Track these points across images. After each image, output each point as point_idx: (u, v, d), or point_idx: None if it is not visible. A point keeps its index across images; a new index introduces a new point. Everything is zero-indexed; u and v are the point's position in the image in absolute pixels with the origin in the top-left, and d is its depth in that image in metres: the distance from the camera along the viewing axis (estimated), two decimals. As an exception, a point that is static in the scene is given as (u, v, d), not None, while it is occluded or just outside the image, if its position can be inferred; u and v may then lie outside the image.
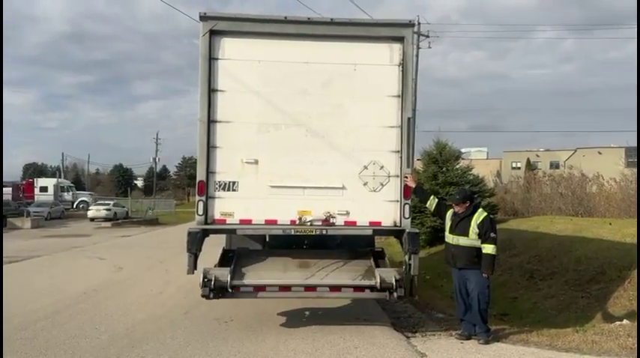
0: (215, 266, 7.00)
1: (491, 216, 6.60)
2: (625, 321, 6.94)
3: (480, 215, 6.60)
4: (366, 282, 6.65)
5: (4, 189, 41.25)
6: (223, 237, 7.89)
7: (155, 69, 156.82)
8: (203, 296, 6.46)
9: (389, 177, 6.83)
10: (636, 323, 6.64)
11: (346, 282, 6.67)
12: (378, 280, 6.50)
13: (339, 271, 6.85)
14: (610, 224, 13.29)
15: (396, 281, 6.48)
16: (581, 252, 10.47)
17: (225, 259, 7.10)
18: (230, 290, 6.46)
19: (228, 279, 6.42)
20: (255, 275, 6.74)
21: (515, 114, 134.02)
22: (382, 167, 6.83)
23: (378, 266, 6.96)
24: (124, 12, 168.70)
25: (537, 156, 63.58)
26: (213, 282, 6.39)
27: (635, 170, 18.30)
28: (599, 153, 48.91)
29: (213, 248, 7.36)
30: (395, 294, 6.53)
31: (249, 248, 7.39)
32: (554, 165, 53.21)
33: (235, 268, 6.75)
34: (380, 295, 6.65)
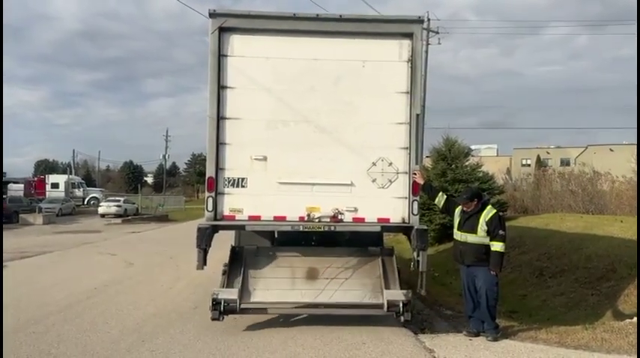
0: (224, 268, 7.02)
1: (501, 213, 6.56)
2: (635, 319, 6.90)
3: (488, 212, 6.59)
4: (374, 301, 6.70)
5: (15, 185, 41.91)
6: (232, 232, 7.93)
7: (167, 66, 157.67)
8: (213, 319, 6.57)
9: (397, 173, 6.83)
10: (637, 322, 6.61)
11: (353, 301, 6.72)
12: (385, 303, 6.56)
13: (347, 284, 6.84)
14: (621, 221, 13.18)
15: (403, 305, 6.52)
16: (591, 250, 10.41)
17: (234, 263, 7.05)
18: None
19: (238, 303, 6.54)
20: (263, 293, 6.78)
21: (527, 111, 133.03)
22: (391, 164, 6.83)
23: (386, 274, 6.92)
24: (136, 10, 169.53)
25: (548, 153, 63.18)
26: (222, 305, 6.52)
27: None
28: (611, 150, 48.44)
29: (223, 243, 7.41)
30: (402, 318, 6.57)
31: (257, 246, 7.36)
32: (565, 162, 52.84)
33: (243, 282, 6.78)
34: (387, 313, 6.65)
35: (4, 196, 32.13)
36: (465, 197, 6.77)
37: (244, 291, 6.73)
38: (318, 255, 7.14)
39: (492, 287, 6.49)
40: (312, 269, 6.99)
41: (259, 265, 7.06)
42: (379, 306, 6.62)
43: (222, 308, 6.55)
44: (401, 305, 6.52)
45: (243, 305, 6.61)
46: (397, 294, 6.62)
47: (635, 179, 18.34)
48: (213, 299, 6.54)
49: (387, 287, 6.78)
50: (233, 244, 7.67)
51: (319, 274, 6.95)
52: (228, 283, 6.83)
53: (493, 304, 6.53)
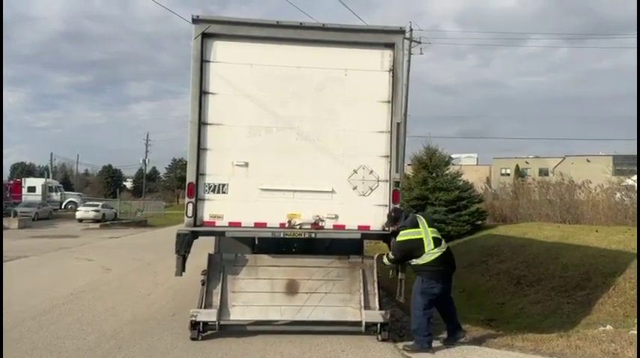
0: (202, 277, 6.92)
1: (403, 240, 6.45)
2: (608, 327, 7.03)
3: (398, 237, 6.57)
4: (352, 319, 6.73)
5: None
6: (212, 238, 7.88)
7: (150, 70, 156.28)
8: (192, 338, 6.55)
9: (378, 181, 6.88)
10: (621, 329, 6.74)
11: (332, 319, 6.76)
12: (363, 323, 6.62)
13: (327, 300, 6.80)
14: (596, 231, 13.43)
15: (381, 325, 6.64)
16: (567, 259, 10.59)
17: (212, 273, 6.87)
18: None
19: (217, 324, 6.54)
20: (242, 310, 6.72)
21: (507, 121, 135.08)
22: (372, 171, 6.88)
23: (366, 287, 6.88)
24: (120, 12, 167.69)
25: (527, 162, 64.06)
26: (201, 325, 6.54)
27: (622, 178, 18.52)
28: (588, 160, 49.47)
29: (202, 249, 7.36)
30: (379, 337, 6.67)
31: (235, 254, 7.17)
32: (544, 172, 53.65)
33: (222, 297, 6.68)
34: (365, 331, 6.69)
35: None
36: (388, 221, 6.77)
37: (223, 308, 6.65)
38: (299, 265, 7.05)
39: (414, 297, 6.51)
40: (292, 282, 6.90)
41: (238, 276, 6.92)
42: (358, 324, 6.66)
43: (200, 328, 6.56)
44: (379, 325, 6.64)
45: (222, 322, 6.59)
46: (376, 315, 6.66)
47: (614, 189, 18.70)
48: (192, 321, 6.52)
49: (367, 304, 6.77)
50: (212, 252, 7.59)
51: (299, 288, 6.88)
52: (206, 299, 6.71)
53: (416, 313, 6.47)
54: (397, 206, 6.78)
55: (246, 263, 7.05)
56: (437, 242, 6.49)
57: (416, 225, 6.53)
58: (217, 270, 6.92)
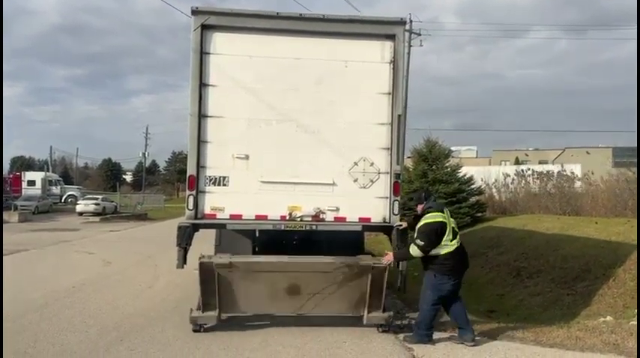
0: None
1: (433, 223, 6.18)
2: (608, 318, 7.06)
3: (422, 221, 6.37)
4: (353, 314, 6.73)
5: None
6: (213, 231, 7.88)
7: (149, 63, 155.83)
8: (194, 330, 6.58)
9: (379, 173, 6.88)
10: (621, 320, 6.76)
11: (335, 315, 6.75)
12: (365, 320, 6.63)
13: (329, 299, 6.58)
14: (596, 223, 13.45)
15: (380, 325, 6.72)
16: (567, 250, 10.61)
17: (205, 279, 6.45)
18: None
19: (218, 319, 6.56)
20: (242, 305, 6.67)
21: (507, 113, 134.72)
22: (372, 164, 6.88)
23: (373, 295, 6.59)
24: (118, 5, 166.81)
25: (526, 155, 63.96)
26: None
27: (622, 170, 18.53)
28: (587, 152, 49.41)
29: (203, 242, 7.37)
30: (379, 329, 6.75)
31: (229, 261, 6.44)
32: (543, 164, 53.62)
33: (221, 295, 6.50)
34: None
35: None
36: (413, 202, 6.79)
37: (222, 306, 6.56)
38: (301, 269, 6.58)
39: (424, 290, 6.42)
40: (294, 286, 6.54)
41: (234, 283, 6.50)
42: (360, 317, 6.69)
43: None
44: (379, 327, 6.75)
45: (222, 318, 6.61)
46: (378, 318, 6.69)
47: (613, 181, 18.72)
48: (192, 322, 6.57)
49: (370, 310, 6.63)
50: (212, 245, 7.56)
51: (302, 287, 6.56)
52: (204, 301, 6.57)
53: (423, 307, 6.38)
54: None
55: (243, 267, 6.48)
56: (455, 234, 6.36)
57: (442, 210, 6.45)
58: (211, 278, 6.43)
